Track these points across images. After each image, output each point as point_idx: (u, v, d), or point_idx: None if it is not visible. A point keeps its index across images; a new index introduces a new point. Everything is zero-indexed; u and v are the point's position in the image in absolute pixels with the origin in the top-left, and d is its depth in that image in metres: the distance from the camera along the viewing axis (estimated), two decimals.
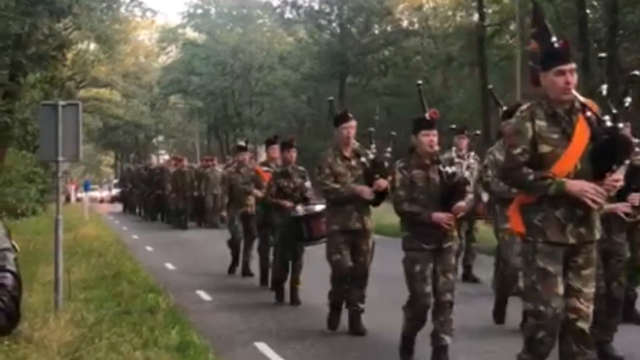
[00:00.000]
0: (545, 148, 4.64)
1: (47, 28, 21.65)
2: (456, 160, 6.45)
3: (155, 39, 56.17)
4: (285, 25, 47.05)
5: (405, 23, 43.05)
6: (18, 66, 20.99)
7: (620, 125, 4.73)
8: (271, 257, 10.63)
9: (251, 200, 11.90)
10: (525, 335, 4.81)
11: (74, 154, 8.93)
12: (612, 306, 6.11)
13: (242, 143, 13.68)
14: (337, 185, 7.50)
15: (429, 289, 6.10)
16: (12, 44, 20.75)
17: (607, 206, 5.13)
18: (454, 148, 10.04)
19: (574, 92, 4.65)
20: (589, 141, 4.62)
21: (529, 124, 4.65)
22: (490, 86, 9.17)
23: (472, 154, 10.61)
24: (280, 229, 9.72)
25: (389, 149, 7.62)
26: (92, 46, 37.25)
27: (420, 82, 7.23)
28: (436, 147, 6.21)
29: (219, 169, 21.61)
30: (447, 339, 6.16)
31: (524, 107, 4.85)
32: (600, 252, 5.19)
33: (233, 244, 12.37)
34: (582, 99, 4.70)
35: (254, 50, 46.87)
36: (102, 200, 49.31)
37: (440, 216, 6.05)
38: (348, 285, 7.64)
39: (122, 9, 37.70)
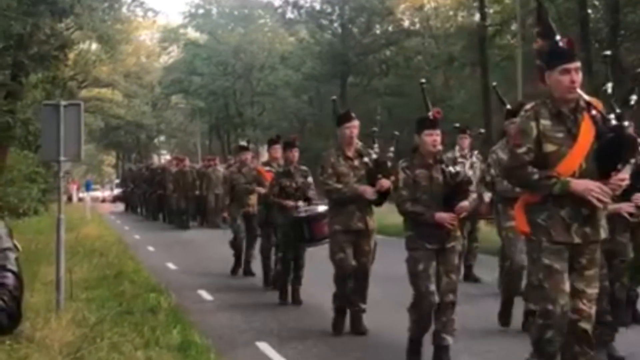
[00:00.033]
0: (549, 147, 4.62)
1: (49, 28, 21.66)
2: (459, 159, 6.41)
3: (156, 39, 56.20)
4: (286, 25, 47.07)
5: (406, 23, 43.08)
6: (20, 66, 21.00)
7: (626, 123, 4.70)
8: (273, 257, 10.65)
9: (253, 200, 11.91)
10: (533, 337, 4.75)
11: (75, 153, 8.92)
12: (613, 307, 6.10)
13: (243, 143, 13.65)
14: (339, 185, 7.48)
15: (433, 287, 6.06)
16: (14, 44, 20.77)
17: (611, 206, 5.11)
18: (457, 147, 10.04)
19: (579, 90, 4.63)
20: (594, 140, 4.59)
21: (533, 123, 4.63)
22: (495, 83, 9.11)
23: (476, 152, 10.60)
24: (282, 228, 9.72)
25: (392, 149, 7.60)
26: (94, 46, 37.27)
27: (423, 80, 7.22)
28: (439, 147, 6.20)
29: (221, 168, 21.62)
30: (449, 339, 6.16)
31: (528, 106, 4.83)
32: (604, 252, 5.17)
33: (235, 245, 12.35)
34: (587, 97, 4.67)
35: (255, 50, 46.90)
36: (103, 200, 49.35)
37: (443, 216, 6.03)
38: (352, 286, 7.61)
39: (124, 9, 37.73)
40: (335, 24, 44.22)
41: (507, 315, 7.61)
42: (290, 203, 9.49)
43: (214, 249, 15.64)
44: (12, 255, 2.28)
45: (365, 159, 7.44)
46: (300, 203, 9.47)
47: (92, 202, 34.09)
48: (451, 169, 6.13)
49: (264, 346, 7.30)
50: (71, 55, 28.96)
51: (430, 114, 6.25)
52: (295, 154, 9.77)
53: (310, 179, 9.74)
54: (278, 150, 10.99)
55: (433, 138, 6.14)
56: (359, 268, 7.50)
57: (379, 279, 8.33)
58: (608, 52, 6.11)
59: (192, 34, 53.45)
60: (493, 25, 32.10)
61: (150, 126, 53.54)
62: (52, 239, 9.67)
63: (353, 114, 7.70)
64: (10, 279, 2.24)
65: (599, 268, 4.81)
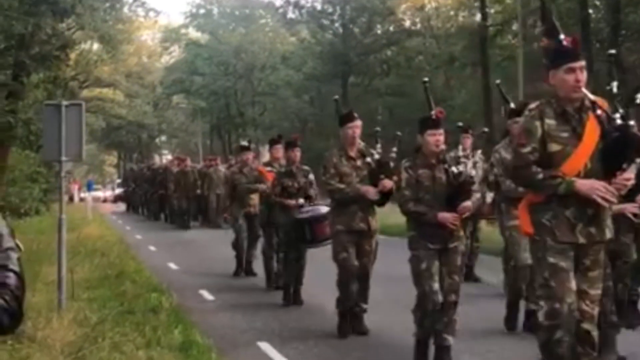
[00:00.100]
0: (554, 147, 4.60)
1: (51, 28, 21.65)
2: (462, 159, 6.37)
3: (158, 39, 56.20)
4: (287, 25, 47.06)
5: (407, 23, 43.06)
6: (21, 66, 20.99)
7: (631, 122, 4.66)
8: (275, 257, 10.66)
9: (254, 200, 11.92)
10: (541, 340, 4.67)
11: (77, 153, 8.93)
12: (616, 307, 6.09)
13: (244, 143, 13.63)
14: (342, 186, 7.45)
15: (436, 286, 6.03)
16: (15, 44, 20.76)
17: (616, 207, 5.06)
18: (460, 147, 10.01)
19: (584, 90, 4.60)
20: (600, 139, 4.56)
21: (538, 123, 4.61)
22: (498, 81, 9.07)
23: (479, 152, 10.58)
24: (284, 228, 9.72)
25: (395, 149, 7.59)
26: (95, 46, 37.25)
27: (426, 79, 7.20)
28: (442, 147, 6.17)
29: (222, 168, 21.63)
30: (450, 339, 6.14)
31: (533, 105, 4.80)
32: (608, 253, 5.15)
33: (237, 247, 12.33)
34: (592, 96, 4.64)
35: (256, 50, 46.89)
36: (105, 200, 49.31)
37: (446, 216, 6.01)
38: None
39: (125, 9, 37.65)
40: (337, 24, 44.21)
41: (513, 319, 7.52)
42: (292, 202, 9.50)
43: (215, 249, 15.66)
44: (14, 255, 2.28)
45: (368, 159, 7.41)
46: (301, 200, 9.48)
47: (93, 202, 34.06)
48: (454, 169, 6.10)
49: (265, 346, 7.31)
50: (72, 55, 28.92)
51: (433, 113, 6.22)
52: (297, 153, 9.77)
53: (311, 176, 9.75)
54: (279, 150, 10.99)
55: (436, 138, 6.11)
56: (360, 268, 7.49)
57: (381, 279, 8.33)
58: (613, 51, 6.06)
59: (194, 34, 53.46)
60: (494, 25, 32.10)
61: (152, 126, 53.54)
62: (54, 239, 9.68)
63: (356, 114, 7.67)
64: (12, 279, 2.24)
65: (602, 269, 4.79)
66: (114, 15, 30.53)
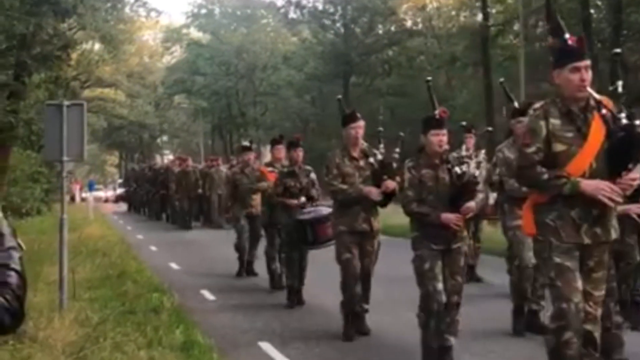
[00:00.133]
0: (559, 147, 4.57)
1: (52, 28, 21.64)
2: (465, 159, 6.33)
3: (159, 39, 56.24)
4: (289, 25, 47.08)
5: (409, 23, 43.06)
6: (23, 66, 20.99)
7: (637, 122, 4.62)
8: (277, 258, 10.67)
9: (256, 200, 11.91)
10: (550, 345, 4.61)
11: (78, 153, 8.93)
12: (620, 308, 6.08)
13: (246, 143, 13.63)
14: (344, 186, 7.42)
15: (440, 286, 6.00)
16: (16, 44, 20.76)
17: (620, 207, 5.04)
18: (463, 146, 9.98)
19: (589, 89, 4.57)
20: (605, 139, 4.53)
21: (542, 123, 4.58)
22: (502, 79, 9.05)
23: (483, 152, 10.56)
24: (286, 228, 9.70)
25: (397, 150, 7.56)
26: (97, 46, 37.26)
27: (429, 78, 7.17)
28: (445, 147, 6.13)
29: (223, 169, 21.64)
30: (452, 340, 6.13)
31: (537, 105, 4.77)
32: (612, 253, 5.13)
33: (240, 248, 12.32)
34: (597, 96, 4.61)
35: (258, 50, 46.89)
36: (106, 200, 49.36)
37: (449, 217, 5.98)
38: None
39: (127, 9, 37.65)
40: (338, 24, 44.23)
41: (520, 323, 7.38)
42: (294, 201, 9.49)
43: (216, 249, 15.67)
44: (15, 254, 2.28)
45: (371, 160, 7.38)
46: (303, 199, 9.47)
47: (95, 202, 34.08)
48: (457, 169, 6.05)
49: (266, 346, 7.30)
50: (74, 55, 28.94)
51: (436, 113, 6.18)
52: (300, 153, 9.74)
53: (313, 175, 9.74)
54: (281, 150, 10.98)
55: (439, 138, 6.07)
56: (361, 269, 7.48)
57: (382, 280, 8.33)
58: (618, 50, 6.03)
59: (195, 34, 53.46)
60: (495, 25, 32.10)
61: (153, 126, 53.59)
62: (55, 239, 9.69)
63: (359, 114, 7.64)
64: (13, 278, 2.24)
65: (606, 270, 4.76)
66: (116, 15, 30.52)
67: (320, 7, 44.65)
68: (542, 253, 4.66)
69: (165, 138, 62.75)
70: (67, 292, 8.74)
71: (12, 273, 2.25)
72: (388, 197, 7.31)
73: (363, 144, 7.59)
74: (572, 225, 4.57)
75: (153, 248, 17.22)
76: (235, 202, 12.44)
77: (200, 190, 22.64)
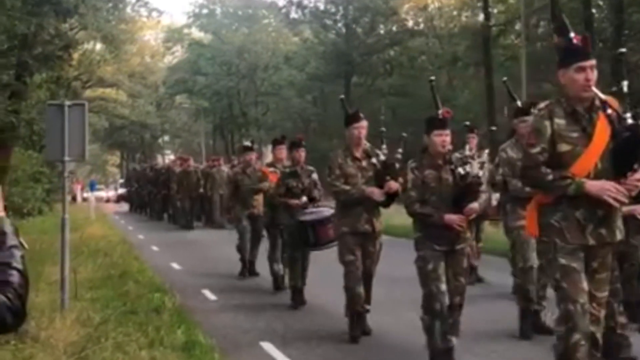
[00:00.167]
0: (564, 147, 4.53)
1: (53, 28, 21.66)
2: (468, 159, 6.30)
3: (161, 39, 56.26)
4: (290, 25, 47.10)
5: (410, 23, 43.09)
6: (24, 66, 21.01)
7: None
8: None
9: (258, 200, 11.89)
10: (559, 350, 4.56)
11: (80, 153, 8.93)
12: (624, 308, 6.07)
13: (247, 143, 13.60)
14: (347, 187, 7.38)
15: (444, 286, 5.98)
16: (18, 44, 20.77)
17: (625, 208, 5.00)
18: (467, 146, 9.97)
19: (594, 89, 4.54)
20: (610, 139, 4.50)
21: (547, 122, 4.55)
22: (505, 78, 9.00)
23: (486, 152, 10.54)
24: (288, 228, 9.68)
25: (400, 150, 7.54)
26: (98, 46, 37.33)
27: (432, 77, 7.14)
28: (449, 147, 6.10)
29: (225, 169, 21.64)
30: (454, 340, 6.12)
31: (542, 105, 4.74)
32: (616, 254, 5.11)
33: (242, 249, 12.29)
34: (602, 96, 4.57)
35: (259, 50, 46.90)
36: (108, 200, 49.41)
37: (452, 218, 5.95)
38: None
39: (128, 9, 37.71)
40: (339, 24, 44.25)
41: (527, 325, 7.26)
42: (296, 201, 9.48)
43: (218, 249, 15.67)
44: (17, 253, 2.28)
45: (373, 160, 7.35)
46: (304, 198, 9.45)
47: (96, 202, 34.11)
48: (460, 170, 6.02)
49: (268, 346, 7.30)
50: (75, 55, 28.98)
51: (439, 113, 6.13)
52: (302, 154, 9.72)
53: (315, 176, 9.72)
54: (282, 150, 10.96)
55: (442, 138, 6.04)
56: (363, 269, 7.47)
57: (384, 280, 8.33)
58: (623, 50, 6.01)
59: (196, 34, 53.49)
60: (497, 25, 32.09)
61: (155, 126, 53.63)
62: (57, 239, 9.69)
63: (362, 114, 7.60)
64: (15, 277, 2.24)
65: (610, 271, 4.74)
66: (117, 15, 30.57)
67: (321, 7, 44.71)
68: (547, 254, 4.64)
69: (166, 138, 62.79)
70: (69, 292, 8.74)
71: (14, 272, 2.24)
72: (391, 198, 7.28)
73: (366, 144, 7.55)
74: (577, 226, 4.54)
75: (154, 248, 17.23)
76: (236, 203, 12.41)
77: (201, 191, 22.64)
